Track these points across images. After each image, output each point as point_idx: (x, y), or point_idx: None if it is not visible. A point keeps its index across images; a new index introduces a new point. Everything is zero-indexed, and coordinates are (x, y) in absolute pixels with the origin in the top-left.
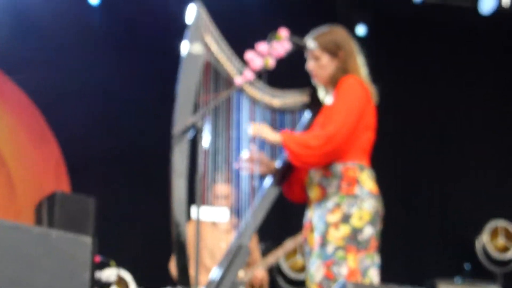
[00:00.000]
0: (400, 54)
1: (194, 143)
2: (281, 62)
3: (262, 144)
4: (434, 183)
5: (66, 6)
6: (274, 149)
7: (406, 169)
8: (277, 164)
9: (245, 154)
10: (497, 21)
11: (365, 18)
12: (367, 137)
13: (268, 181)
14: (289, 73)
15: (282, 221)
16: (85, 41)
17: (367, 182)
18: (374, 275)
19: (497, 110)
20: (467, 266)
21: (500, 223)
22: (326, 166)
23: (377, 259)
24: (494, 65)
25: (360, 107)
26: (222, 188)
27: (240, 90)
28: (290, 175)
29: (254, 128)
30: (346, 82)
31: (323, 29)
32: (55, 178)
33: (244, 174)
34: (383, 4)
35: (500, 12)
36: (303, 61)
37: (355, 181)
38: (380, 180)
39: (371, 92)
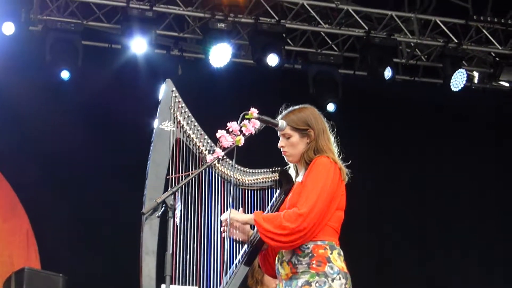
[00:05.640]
0: (369, 130)
1: (165, 220)
2: (253, 140)
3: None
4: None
5: (36, 78)
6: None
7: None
8: (254, 235)
9: (226, 216)
10: (467, 97)
11: (336, 95)
12: (338, 216)
13: (244, 251)
14: (261, 152)
15: None
16: (55, 114)
17: (337, 260)
18: None
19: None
20: None
21: None
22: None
23: None
24: (466, 139)
25: (333, 188)
26: None
27: (211, 167)
28: (266, 248)
29: (225, 214)
30: (319, 162)
31: (294, 108)
32: (25, 252)
33: (227, 237)
34: (354, 81)
35: (470, 88)
36: (275, 139)
37: (325, 260)
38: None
39: (343, 171)
